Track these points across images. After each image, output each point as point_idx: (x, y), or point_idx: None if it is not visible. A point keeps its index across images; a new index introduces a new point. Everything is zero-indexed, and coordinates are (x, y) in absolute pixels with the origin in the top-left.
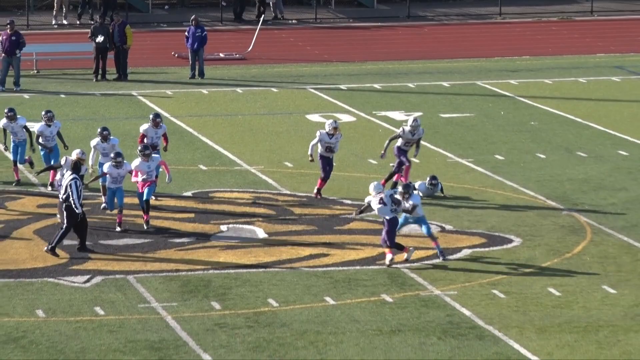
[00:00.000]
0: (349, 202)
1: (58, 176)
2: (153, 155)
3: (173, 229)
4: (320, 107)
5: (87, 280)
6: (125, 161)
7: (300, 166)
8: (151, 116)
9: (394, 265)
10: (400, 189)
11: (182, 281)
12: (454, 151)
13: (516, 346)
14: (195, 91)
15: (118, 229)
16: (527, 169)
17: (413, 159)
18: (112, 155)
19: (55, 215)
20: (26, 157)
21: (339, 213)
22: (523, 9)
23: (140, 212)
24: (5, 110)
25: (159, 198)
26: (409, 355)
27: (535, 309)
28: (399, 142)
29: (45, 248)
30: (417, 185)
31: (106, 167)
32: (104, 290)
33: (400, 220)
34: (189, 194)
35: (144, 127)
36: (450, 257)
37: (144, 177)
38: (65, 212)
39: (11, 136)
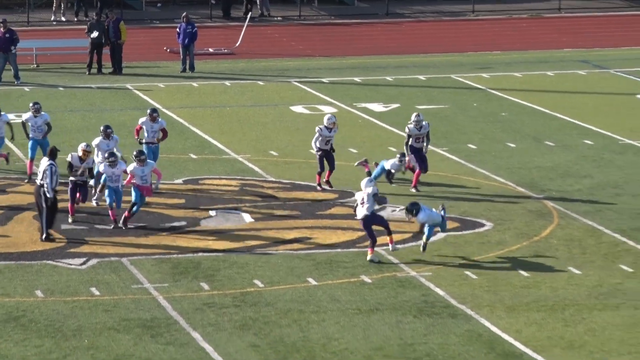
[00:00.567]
0: (329, 188)
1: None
2: (148, 161)
3: (165, 214)
4: (303, 99)
5: (84, 263)
6: (120, 160)
7: (284, 155)
8: (149, 111)
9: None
10: (405, 212)
11: (173, 263)
12: (431, 140)
13: (487, 324)
14: (186, 84)
15: (112, 226)
16: (498, 157)
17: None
18: (105, 154)
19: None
20: (4, 153)
21: (321, 199)
22: (494, 6)
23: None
24: None
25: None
26: (387, 333)
27: (505, 289)
28: (411, 141)
29: (41, 238)
30: (389, 164)
31: (101, 167)
32: (99, 272)
33: (428, 231)
34: (179, 181)
35: (141, 119)
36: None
37: (139, 181)
38: (42, 196)
39: None
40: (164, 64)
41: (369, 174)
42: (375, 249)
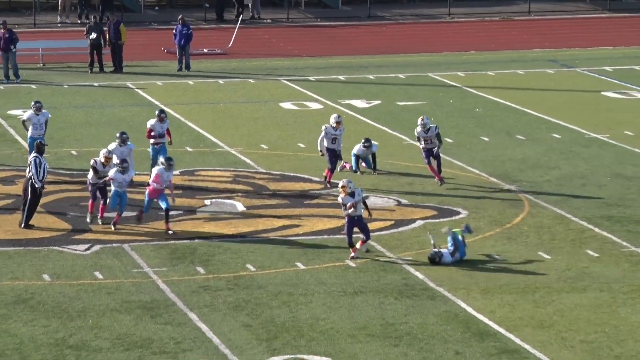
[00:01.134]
0: (316, 179)
1: (91, 174)
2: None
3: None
4: (292, 96)
5: (88, 249)
6: (130, 167)
7: (274, 148)
8: (157, 112)
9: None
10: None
11: (171, 249)
12: (409, 135)
13: (463, 305)
14: (182, 82)
15: (113, 227)
16: (473, 150)
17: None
18: (118, 161)
19: (63, 191)
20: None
21: (309, 189)
22: (469, 10)
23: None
24: None
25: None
26: (370, 314)
27: (479, 272)
28: (422, 143)
29: (20, 226)
30: (355, 149)
31: (112, 173)
32: (102, 257)
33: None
34: (177, 172)
35: (150, 122)
36: (406, 227)
37: (160, 185)
38: (30, 188)
39: None
40: (161, 63)
41: (351, 168)
42: (356, 235)
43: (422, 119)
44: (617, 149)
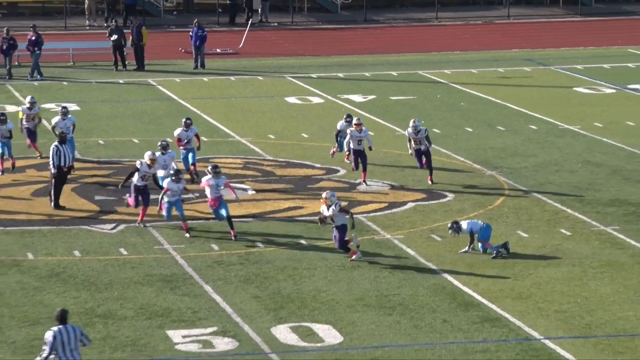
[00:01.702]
0: (318, 165)
1: (136, 177)
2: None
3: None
4: (296, 92)
5: (114, 228)
6: (181, 177)
7: (280, 138)
8: (183, 120)
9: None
10: (449, 225)
11: (189, 228)
12: (401, 126)
13: (450, 278)
14: (198, 79)
15: (187, 235)
16: (458, 140)
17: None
18: (171, 171)
19: (91, 176)
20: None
21: (311, 174)
22: (454, 14)
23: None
24: None
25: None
26: (366, 286)
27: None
28: (412, 144)
29: (51, 205)
30: (337, 125)
31: (166, 183)
32: (127, 235)
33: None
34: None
35: (177, 131)
36: (398, 209)
37: (213, 193)
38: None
39: None
40: (179, 62)
41: (338, 150)
42: (355, 215)
43: (414, 122)
44: (588, 139)
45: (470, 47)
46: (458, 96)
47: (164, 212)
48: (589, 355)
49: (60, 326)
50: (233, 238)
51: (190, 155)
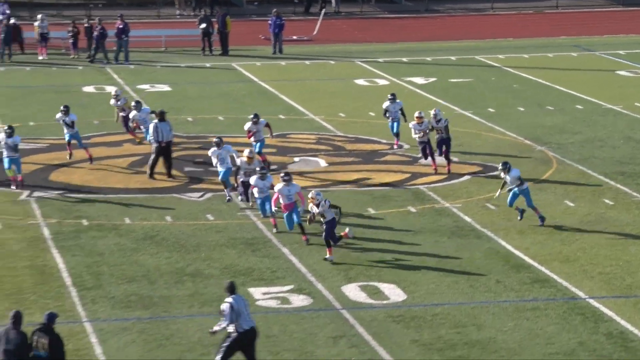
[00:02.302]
0: (384, 141)
1: (241, 174)
2: (292, 183)
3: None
4: (364, 75)
5: (201, 196)
6: (268, 174)
7: (350, 116)
8: (250, 116)
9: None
10: (500, 166)
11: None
12: (459, 105)
13: (503, 243)
14: (276, 63)
15: (274, 230)
16: (511, 118)
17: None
18: (257, 169)
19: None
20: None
21: (378, 149)
22: (508, 4)
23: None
24: (62, 107)
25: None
26: (427, 250)
27: (516, 216)
28: (436, 135)
29: (147, 176)
30: (383, 105)
31: (253, 180)
32: (213, 203)
33: (511, 196)
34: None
35: (247, 125)
36: (457, 180)
37: (285, 200)
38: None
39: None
40: (259, 47)
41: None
42: (416, 186)
43: (435, 110)
44: (629, 117)
45: (522, 35)
46: (511, 79)
47: (260, 211)
48: (629, 313)
49: (234, 296)
50: (306, 243)
51: (257, 145)
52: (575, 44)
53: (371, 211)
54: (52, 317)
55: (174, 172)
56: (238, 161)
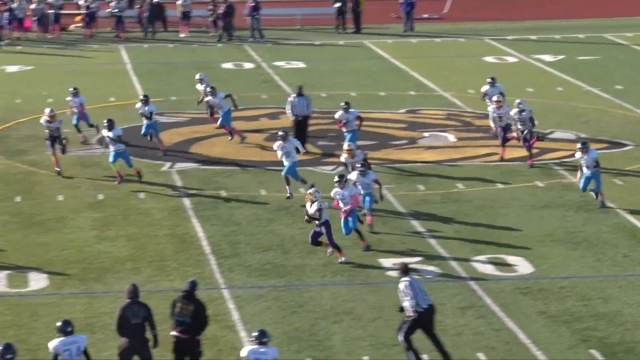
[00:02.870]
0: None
1: (354, 176)
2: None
3: (390, 134)
4: (492, 52)
5: (334, 169)
6: (369, 170)
7: (479, 93)
8: (342, 104)
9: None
10: (579, 145)
11: (398, 171)
12: (588, 83)
13: (630, 218)
14: (407, 41)
15: (369, 229)
16: (639, 95)
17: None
18: (358, 165)
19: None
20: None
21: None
22: None
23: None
24: (141, 97)
25: (374, 112)
26: (554, 224)
27: None
28: (517, 125)
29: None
30: (482, 89)
31: (353, 176)
32: None
33: (584, 180)
34: (402, 110)
35: (338, 113)
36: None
37: (344, 206)
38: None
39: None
40: (391, 26)
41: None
42: (543, 162)
43: (520, 101)
44: None
45: None
46: (638, 56)
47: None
48: None
49: (408, 276)
50: (365, 248)
51: (348, 137)
52: None
53: (499, 185)
54: (194, 285)
55: (307, 146)
56: (342, 158)
